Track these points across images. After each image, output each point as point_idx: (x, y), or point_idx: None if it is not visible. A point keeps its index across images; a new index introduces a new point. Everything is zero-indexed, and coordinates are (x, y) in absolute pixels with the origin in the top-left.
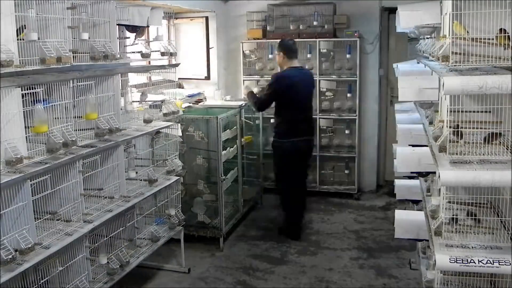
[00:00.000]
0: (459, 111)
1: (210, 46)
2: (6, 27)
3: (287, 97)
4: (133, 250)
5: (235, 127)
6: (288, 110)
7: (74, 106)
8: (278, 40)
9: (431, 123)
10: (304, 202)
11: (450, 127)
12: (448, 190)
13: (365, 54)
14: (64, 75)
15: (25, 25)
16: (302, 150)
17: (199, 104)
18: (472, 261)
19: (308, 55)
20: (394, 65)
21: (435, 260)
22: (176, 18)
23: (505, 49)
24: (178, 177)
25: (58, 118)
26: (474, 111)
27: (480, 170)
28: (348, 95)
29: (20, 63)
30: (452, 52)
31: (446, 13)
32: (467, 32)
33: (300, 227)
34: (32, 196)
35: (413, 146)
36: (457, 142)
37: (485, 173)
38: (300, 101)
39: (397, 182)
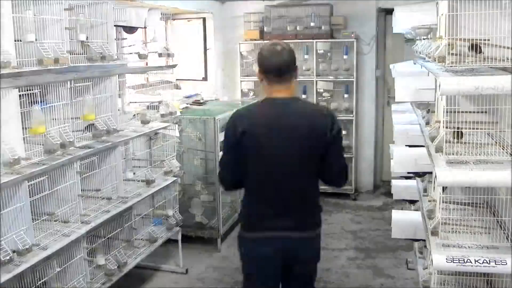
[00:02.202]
0: (455, 112)
1: (207, 47)
2: (3, 28)
3: (249, 152)
4: (131, 251)
5: None
6: (251, 178)
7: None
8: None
9: (427, 123)
10: None
11: (447, 127)
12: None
13: (362, 55)
14: (61, 76)
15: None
16: (277, 257)
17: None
18: (468, 260)
19: (305, 56)
20: (391, 66)
21: (432, 260)
22: (174, 19)
23: None
24: (176, 178)
25: (55, 119)
26: (470, 112)
27: (477, 170)
28: (345, 96)
29: (17, 64)
30: (448, 53)
31: (442, 14)
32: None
33: None
34: (30, 197)
35: (410, 146)
36: (458, 143)
37: (482, 173)
38: (273, 162)
39: (394, 182)
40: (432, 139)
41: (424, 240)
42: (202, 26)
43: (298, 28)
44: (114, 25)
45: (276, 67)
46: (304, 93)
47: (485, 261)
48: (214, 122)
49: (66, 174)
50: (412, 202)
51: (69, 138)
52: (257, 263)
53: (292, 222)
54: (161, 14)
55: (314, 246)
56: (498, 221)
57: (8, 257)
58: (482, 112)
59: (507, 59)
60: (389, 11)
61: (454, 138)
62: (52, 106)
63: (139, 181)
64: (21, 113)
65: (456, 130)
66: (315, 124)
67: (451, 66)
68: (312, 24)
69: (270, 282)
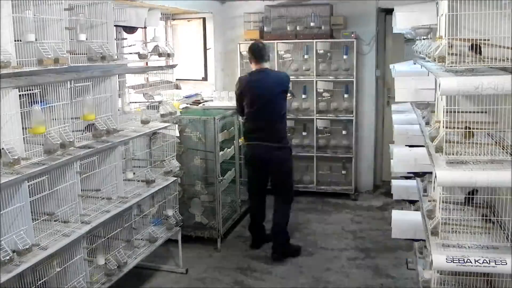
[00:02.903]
0: (455, 112)
1: (207, 47)
2: (4, 28)
3: (246, 99)
4: (131, 251)
5: (232, 128)
6: (248, 113)
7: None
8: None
9: (427, 123)
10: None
11: (446, 127)
12: (444, 190)
13: (362, 55)
14: (61, 76)
15: None
16: (260, 157)
17: (199, 105)
18: (468, 260)
19: (305, 56)
20: (391, 66)
21: (432, 260)
22: (174, 19)
23: None
24: (176, 178)
25: (55, 119)
26: (470, 112)
27: (477, 170)
28: (345, 95)
29: (17, 64)
30: (448, 53)
31: (442, 14)
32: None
33: (261, 237)
34: (30, 197)
35: (410, 146)
36: (468, 143)
37: (482, 173)
38: (258, 104)
39: (394, 182)
40: (432, 139)
41: (424, 240)
42: (202, 26)
43: (298, 28)
44: (114, 25)
45: (260, 55)
46: (304, 93)
47: (485, 261)
48: (214, 122)
49: (66, 174)
50: (412, 202)
51: (69, 138)
52: (249, 160)
53: (264, 135)
54: (161, 14)
55: (278, 152)
56: (498, 221)
57: (8, 257)
58: (482, 112)
59: (507, 59)
60: (389, 11)
61: (464, 138)
62: (52, 106)
63: (139, 181)
64: (21, 113)
65: (467, 130)
66: (277, 80)
67: (451, 66)
68: (312, 24)
69: (256, 172)
